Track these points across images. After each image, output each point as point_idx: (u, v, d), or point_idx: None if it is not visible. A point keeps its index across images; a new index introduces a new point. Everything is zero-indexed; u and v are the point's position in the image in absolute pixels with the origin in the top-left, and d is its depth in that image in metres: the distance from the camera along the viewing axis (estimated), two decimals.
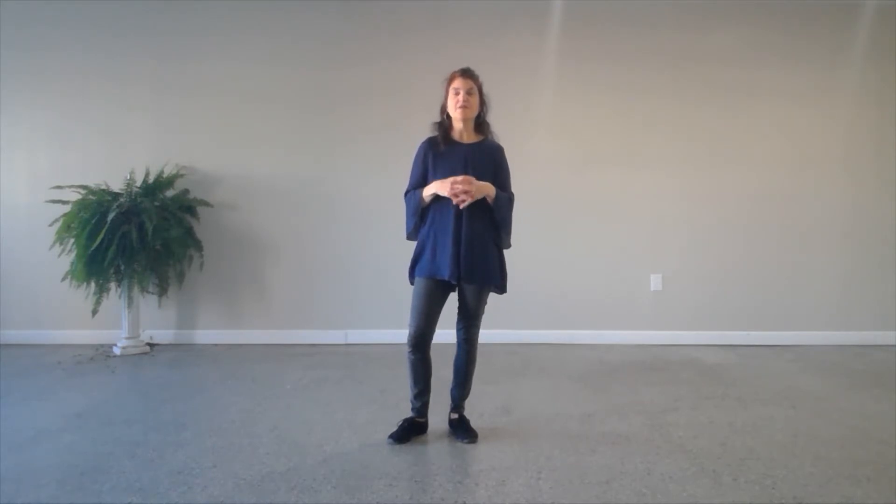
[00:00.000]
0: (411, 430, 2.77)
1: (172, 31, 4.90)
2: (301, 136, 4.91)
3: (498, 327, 4.74)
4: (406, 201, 2.79)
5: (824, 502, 2.16)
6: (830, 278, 4.81)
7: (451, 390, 2.85)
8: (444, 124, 2.76)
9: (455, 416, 2.85)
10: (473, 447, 2.67)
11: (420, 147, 2.79)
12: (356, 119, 4.87)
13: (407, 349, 2.74)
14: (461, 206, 2.60)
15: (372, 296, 4.87)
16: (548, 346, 4.70)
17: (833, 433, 2.84)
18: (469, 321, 2.77)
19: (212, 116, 4.90)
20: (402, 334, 4.75)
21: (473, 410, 3.00)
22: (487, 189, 2.64)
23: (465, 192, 2.57)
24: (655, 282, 4.84)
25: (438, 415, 3.00)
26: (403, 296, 4.74)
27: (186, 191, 4.81)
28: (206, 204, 4.81)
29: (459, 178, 2.57)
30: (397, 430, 2.74)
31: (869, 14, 4.78)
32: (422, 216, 2.74)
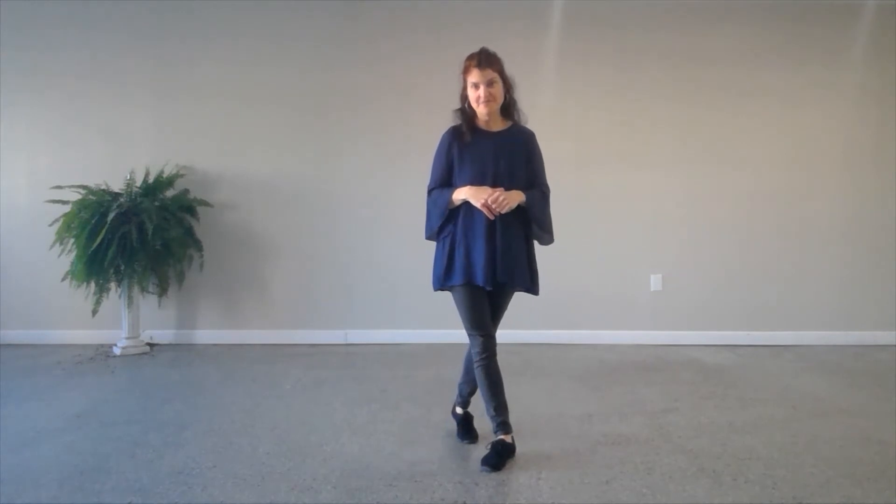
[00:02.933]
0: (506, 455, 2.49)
1: (173, 32, 4.90)
2: (301, 136, 4.91)
3: (498, 327, 4.75)
4: (432, 199, 2.54)
5: (824, 502, 2.17)
6: (830, 278, 4.81)
7: (460, 385, 2.80)
8: (467, 112, 2.51)
9: (460, 411, 2.83)
10: (474, 447, 2.67)
11: (443, 138, 2.55)
12: (356, 119, 4.87)
13: (478, 360, 2.49)
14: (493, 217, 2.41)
15: (372, 296, 4.87)
16: (548, 346, 4.70)
17: (833, 433, 2.83)
18: (493, 325, 2.63)
19: (212, 117, 4.90)
20: (401, 334, 4.85)
21: (474, 410, 2.99)
22: (517, 198, 2.45)
23: (500, 206, 2.38)
24: (655, 282, 4.84)
25: (439, 415, 3.01)
26: (403, 296, 4.80)
27: (186, 191, 4.81)
28: (206, 204, 4.81)
29: (492, 197, 2.37)
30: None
31: (869, 14, 4.78)
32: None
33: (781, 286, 4.81)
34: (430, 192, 2.57)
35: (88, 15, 4.88)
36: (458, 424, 2.81)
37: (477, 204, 2.41)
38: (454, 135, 2.53)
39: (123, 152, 4.83)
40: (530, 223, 2.55)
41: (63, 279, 4.43)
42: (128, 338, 4.56)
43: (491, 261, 2.43)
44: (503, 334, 4.59)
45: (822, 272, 4.81)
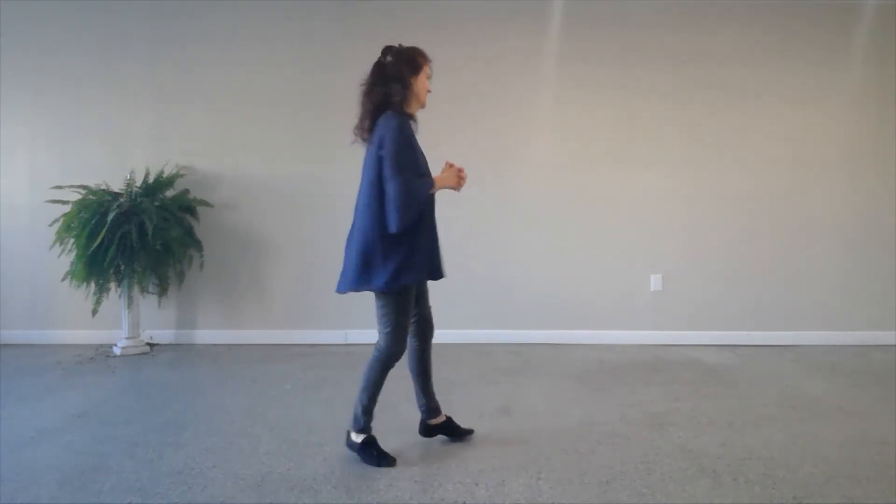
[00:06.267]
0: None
1: (173, 32, 4.90)
2: (301, 136, 4.91)
3: (498, 327, 4.76)
4: (416, 190, 2.37)
5: (824, 502, 2.17)
6: (830, 278, 4.81)
7: (429, 397, 2.74)
8: (408, 105, 2.50)
9: (443, 418, 2.76)
10: (473, 447, 2.67)
11: (404, 124, 2.42)
12: (356, 119, 4.86)
13: (388, 363, 2.55)
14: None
15: (372, 296, 4.86)
16: (548, 346, 4.70)
17: (833, 433, 2.84)
18: (431, 319, 2.72)
19: (212, 117, 4.90)
20: None
21: (473, 410, 3.00)
22: None
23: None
24: (655, 282, 4.84)
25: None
26: None
27: (186, 191, 4.81)
28: (206, 204, 4.81)
29: (462, 173, 2.54)
30: (382, 456, 2.50)
31: (869, 14, 4.78)
32: None
33: (781, 286, 4.81)
34: (409, 182, 2.34)
35: (88, 15, 4.88)
36: (444, 431, 2.75)
37: (458, 187, 2.54)
38: (409, 123, 2.48)
39: (123, 152, 4.83)
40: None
41: (63, 279, 4.43)
42: (128, 338, 4.56)
43: (438, 253, 2.60)
44: (504, 334, 4.68)
45: (822, 272, 4.81)
